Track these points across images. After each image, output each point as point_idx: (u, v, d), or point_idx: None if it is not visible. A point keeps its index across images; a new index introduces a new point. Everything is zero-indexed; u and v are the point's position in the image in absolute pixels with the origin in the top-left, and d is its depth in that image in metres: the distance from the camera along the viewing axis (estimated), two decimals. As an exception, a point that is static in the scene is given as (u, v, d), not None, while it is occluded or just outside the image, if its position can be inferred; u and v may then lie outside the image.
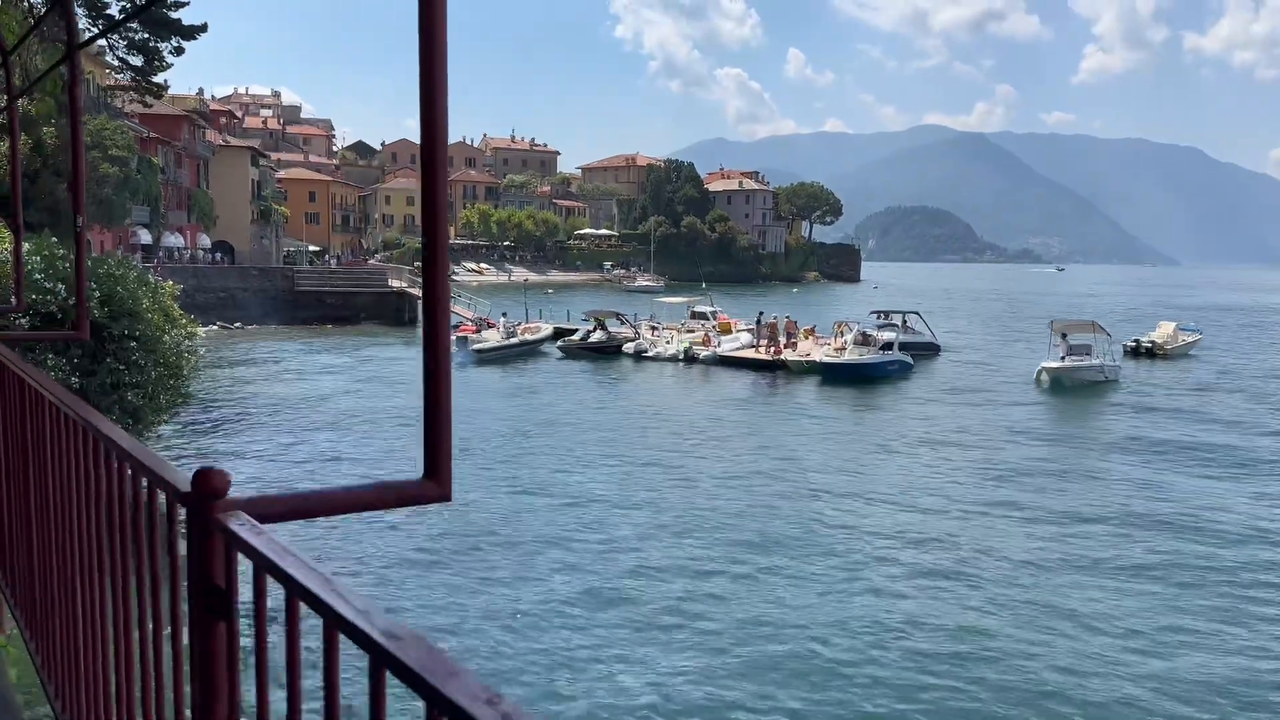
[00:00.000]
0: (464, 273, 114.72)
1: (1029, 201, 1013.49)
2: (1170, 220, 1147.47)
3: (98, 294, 15.62)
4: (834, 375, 35.19)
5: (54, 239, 17.60)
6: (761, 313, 43.82)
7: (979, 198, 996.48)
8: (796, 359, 38.45)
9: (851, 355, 36.27)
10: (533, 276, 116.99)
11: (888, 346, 37.56)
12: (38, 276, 15.67)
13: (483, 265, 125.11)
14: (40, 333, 13.23)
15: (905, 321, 41.15)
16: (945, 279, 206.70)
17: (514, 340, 41.65)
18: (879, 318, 41.59)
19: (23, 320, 14.95)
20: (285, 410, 27.02)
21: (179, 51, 32.51)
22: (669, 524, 17.13)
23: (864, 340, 37.84)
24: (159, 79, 33.46)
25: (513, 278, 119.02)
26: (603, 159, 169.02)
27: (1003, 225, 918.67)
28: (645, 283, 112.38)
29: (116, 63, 32.67)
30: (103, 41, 31.74)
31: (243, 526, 1.52)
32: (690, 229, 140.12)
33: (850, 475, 21.21)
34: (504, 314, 46.95)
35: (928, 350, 43.25)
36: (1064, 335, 35.72)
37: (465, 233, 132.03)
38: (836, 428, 27.41)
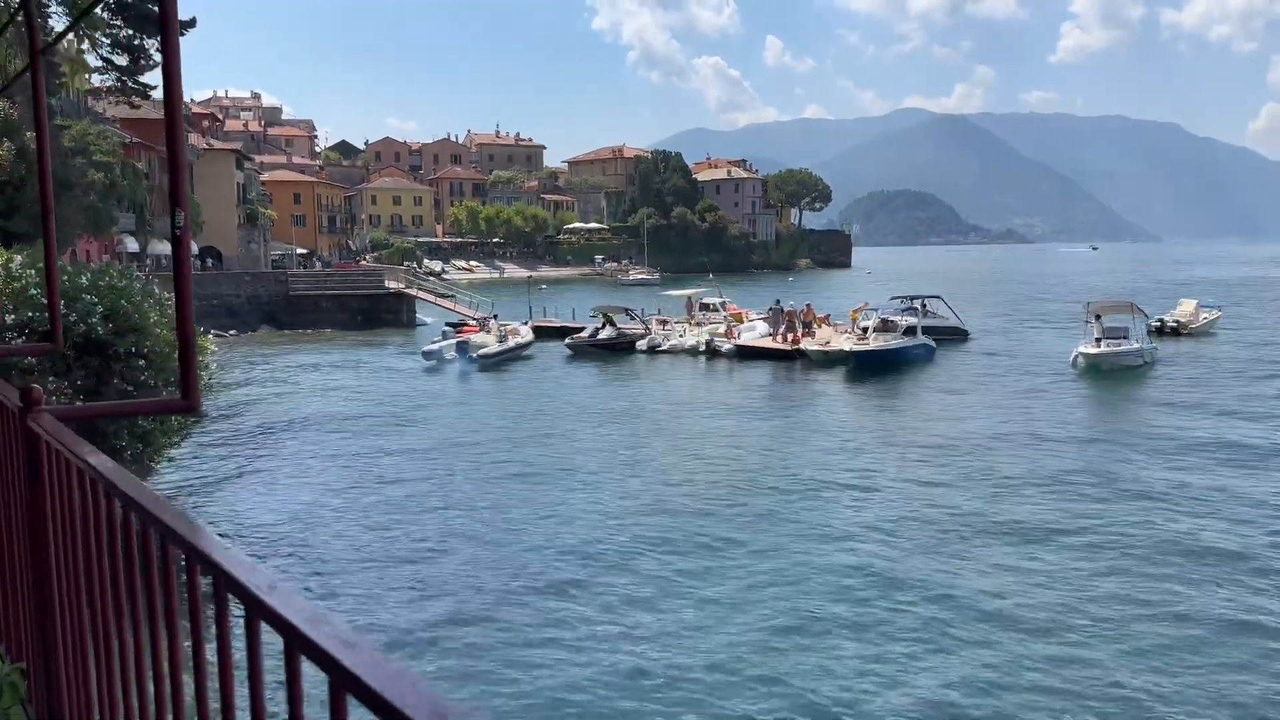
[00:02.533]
0: (454, 271, 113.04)
1: (1011, 182, 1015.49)
2: (1151, 196, 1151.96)
3: (100, 309, 14.19)
4: (861, 363, 33.85)
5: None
6: (778, 300, 42.49)
7: (961, 180, 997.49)
8: (817, 348, 37.17)
9: (877, 342, 35.00)
10: (523, 273, 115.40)
11: (910, 331, 36.34)
12: (33, 292, 14.23)
13: (473, 263, 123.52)
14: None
15: (925, 306, 40.00)
16: (941, 262, 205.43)
17: (511, 344, 39.83)
18: (902, 302, 40.33)
19: (20, 340, 13.51)
20: (301, 436, 25.57)
21: (166, 48, 30.61)
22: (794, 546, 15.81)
23: (885, 326, 36.60)
24: (145, 79, 31.87)
25: (504, 274, 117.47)
26: (589, 152, 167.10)
27: (986, 206, 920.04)
28: (640, 275, 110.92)
29: (99, 63, 31.08)
30: (85, 42, 30.07)
31: None
32: (680, 220, 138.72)
33: (917, 471, 19.93)
34: (494, 315, 45.10)
35: (953, 335, 41.99)
36: (1098, 316, 34.44)
37: (453, 230, 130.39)
38: (884, 419, 26.03)
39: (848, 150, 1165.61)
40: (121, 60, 30.98)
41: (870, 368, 33.53)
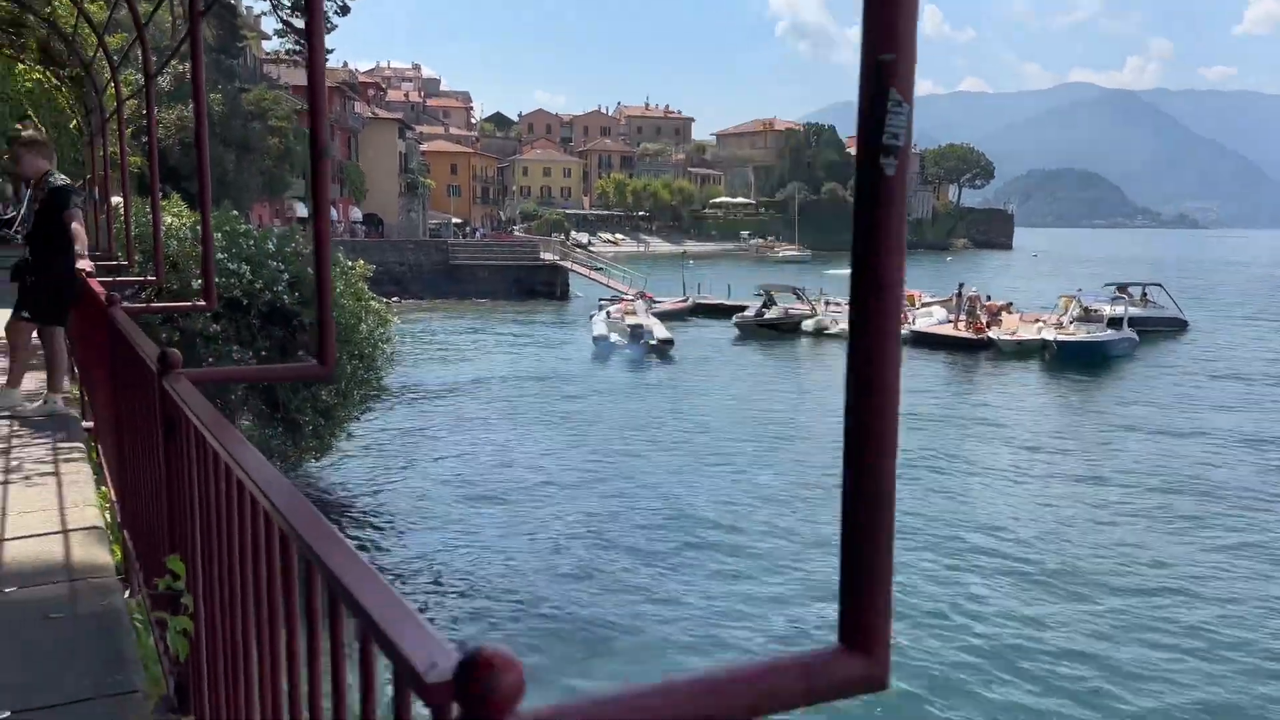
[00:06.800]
0: (600, 243, 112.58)
1: (1185, 163, 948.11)
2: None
3: (286, 276, 13.32)
4: (1064, 355, 30.66)
5: (234, 212, 15.44)
6: (961, 284, 39.30)
7: (1130, 160, 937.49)
8: (1006, 337, 34.14)
9: (1080, 332, 31.78)
10: (668, 246, 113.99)
11: (1116, 322, 32.88)
12: (220, 256, 13.44)
13: (618, 235, 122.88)
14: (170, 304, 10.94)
15: (1145, 294, 36.24)
16: (1116, 246, 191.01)
17: (668, 330, 37.24)
18: (1116, 291, 36.71)
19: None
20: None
21: (344, 10, 30.59)
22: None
23: (1087, 315, 33.23)
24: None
25: (649, 248, 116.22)
26: (738, 125, 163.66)
27: (1156, 189, 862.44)
28: (790, 253, 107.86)
29: (279, 25, 31.12)
30: (264, 6, 30.04)
31: None
32: (831, 195, 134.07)
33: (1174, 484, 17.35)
34: (643, 293, 43.15)
35: (1172, 326, 38.15)
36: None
37: (600, 203, 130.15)
38: (1114, 430, 22.96)
39: (1006, 126, 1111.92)
40: (300, 23, 30.90)
41: (1072, 361, 30.36)
